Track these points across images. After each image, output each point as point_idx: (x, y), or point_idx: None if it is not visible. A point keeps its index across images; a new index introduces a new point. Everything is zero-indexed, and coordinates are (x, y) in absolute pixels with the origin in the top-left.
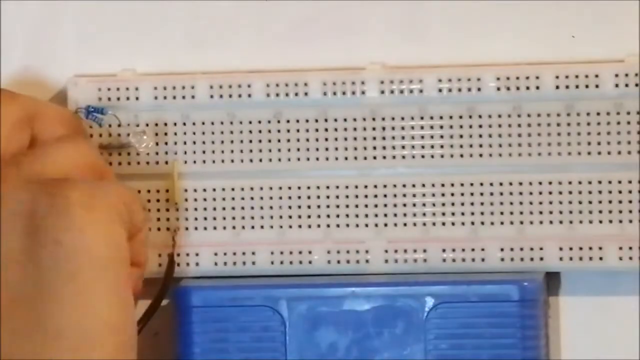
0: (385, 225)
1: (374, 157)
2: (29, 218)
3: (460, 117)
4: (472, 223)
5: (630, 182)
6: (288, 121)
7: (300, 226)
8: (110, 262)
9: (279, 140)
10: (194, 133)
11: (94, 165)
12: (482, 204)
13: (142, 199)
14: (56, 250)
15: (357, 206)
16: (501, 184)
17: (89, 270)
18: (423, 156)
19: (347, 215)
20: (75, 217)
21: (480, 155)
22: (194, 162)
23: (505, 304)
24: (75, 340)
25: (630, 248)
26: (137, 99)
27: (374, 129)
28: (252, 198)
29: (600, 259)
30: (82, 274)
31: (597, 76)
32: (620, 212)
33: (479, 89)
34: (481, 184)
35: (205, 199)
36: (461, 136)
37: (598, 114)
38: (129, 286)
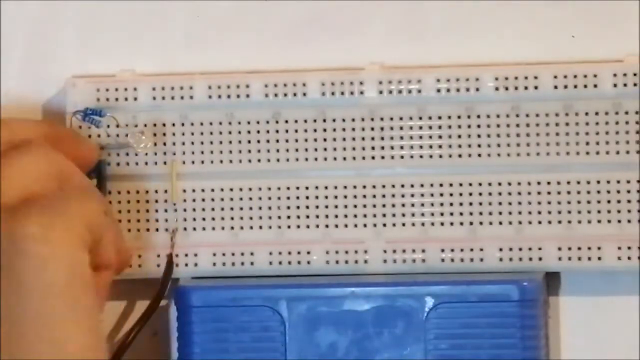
0: (384, 225)
1: (373, 157)
2: None
3: (459, 117)
4: (471, 223)
5: (629, 181)
6: (287, 121)
7: (298, 226)
8: (75, 294)
9: (277, 141)
10: (193, 133)
11: (58, 173)
12: (480, 204)
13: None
14: (18, 289)
15: (355, 206)
16: (500, 183)
17: (53, 306)
18: (422, 156)
19: (346, 216)
20: (34, 254)
21: (479, 155)
22: (193, 162)
23: (505, 304)
24: None
25: (629, 248)
26: (135, 99)
27: (372, 129)
28: (250, 198)
29: (599, 258)
30: (48, 311)
31: (595, 76)
32: (619, 211)
33: (477, 89)
34: (480, 184)
35: (203, 199)
36: (460, 136)
37: (597, 113)
38: (96, 311)
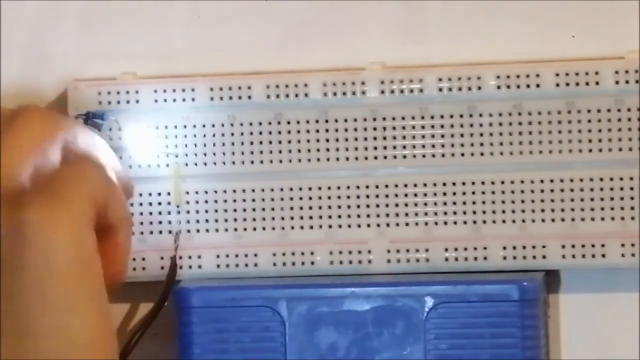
0: (387, 225)
1: (375, 157)
2: None
3: (461, 116)
4: (474, 222)
5: (631, 178)
6: (288, 122)
7: (302, 227)
8: (81, 277)
9: (279, 142)
10: (195, 135)
11: (55, 134)
12: (483, 202)
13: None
14: (23, 277)
15: (358, 206)
16: (502, 182)
17: (59, 292)
18: (424, 156)
19: (349, 216)
20: (36, 240)
21: (481, 153)
22: (195, 164)
23: (505, 303)
24: None
25: (633, 245)
26: (137, 102)
27: (374, 129)
28: (253, 200)
29: (603, 256)
30: (53, 298)
31: (597, 73)
32: (622, 208)
33: (479, 88)
34: (482, 183)
35: (206, 201)
36: (462, 135)
37: (598, 111)
38: (104, 295)
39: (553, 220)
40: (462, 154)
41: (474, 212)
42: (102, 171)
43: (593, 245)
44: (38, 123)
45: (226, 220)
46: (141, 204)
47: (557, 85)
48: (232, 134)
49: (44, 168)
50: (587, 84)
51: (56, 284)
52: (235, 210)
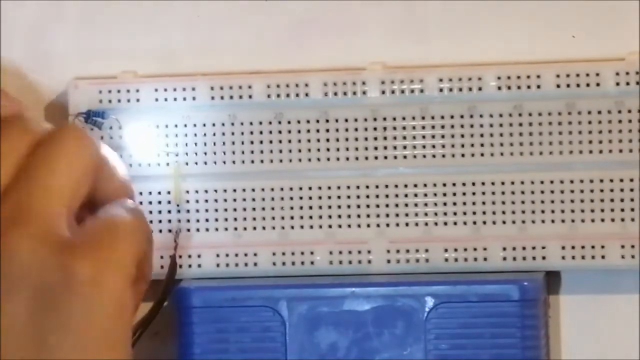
0: (387, 225)
1: (375, 158)
2: (36, 287)
3: (462, 116)
4: (474, 223)
5: (631, 180)
6: (289, 122)
7: (302, 227)
8: (118, 338)
9: (280, 141)
10: (195, 134)
11: (95, 167)
12: (483, 203)
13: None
14: (63, 327)
15: (358, 206)
16: (503, 183)
17: (96, 347)
18: (424, 156)
19: (349, 216)
20: (83, 296)
21: (482, 154)
22: (196, 163)
23: (505, 303)
24: None
25: (633, 246)
26: (138, 101)
27: (375, 129)
28: (253, 199)
29: (603, 257)
30: (90, 352)
31: (597, 75)
32: (622, 210)
33: (479, 89)
34: (482, 184)
35: (206, 200)
36: (462, 136)
37: (599, 112)
38: (130, 353)
39: (553, 221)
40: (463, 155)
41: (474, 213)
42: (148, 232)
43: (593, 247)
44: (76, 154)
45: (226, 220)
46: (141, 203)
47: (558, 86)
48: (233, 134)
49: (78, 197)
50: (587, 85)
51: (93, 340)
52: (235, 210)
